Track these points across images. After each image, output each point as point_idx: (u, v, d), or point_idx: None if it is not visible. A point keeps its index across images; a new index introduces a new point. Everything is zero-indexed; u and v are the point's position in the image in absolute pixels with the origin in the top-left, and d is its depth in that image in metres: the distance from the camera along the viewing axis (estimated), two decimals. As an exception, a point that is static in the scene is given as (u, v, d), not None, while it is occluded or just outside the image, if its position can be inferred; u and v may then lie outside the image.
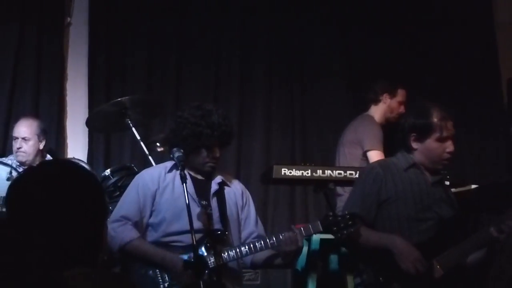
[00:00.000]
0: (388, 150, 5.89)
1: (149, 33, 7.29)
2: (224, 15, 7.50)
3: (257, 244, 4.20)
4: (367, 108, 6.48)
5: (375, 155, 6.06)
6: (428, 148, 4.30)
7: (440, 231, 4.24)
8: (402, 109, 6.38)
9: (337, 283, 5.81)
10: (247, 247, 4.20)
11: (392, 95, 6.45)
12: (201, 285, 3.76)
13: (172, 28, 7.33)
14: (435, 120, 4.27)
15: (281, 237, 4.18)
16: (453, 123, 4.31)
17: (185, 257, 4.09)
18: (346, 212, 4.24)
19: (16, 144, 6.06)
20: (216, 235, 4.21)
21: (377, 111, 6.44)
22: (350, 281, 5.62)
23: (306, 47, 7.67)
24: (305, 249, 5.61)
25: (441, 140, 4.27)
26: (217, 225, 4.28)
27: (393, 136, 4.61)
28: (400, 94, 6.46)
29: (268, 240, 4.21)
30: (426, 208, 4.29)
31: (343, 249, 5.51)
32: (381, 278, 4.11)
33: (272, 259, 4.36)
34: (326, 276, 5.77)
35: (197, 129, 4.24)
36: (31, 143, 6.05)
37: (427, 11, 7.78)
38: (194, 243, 3.89)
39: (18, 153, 6.02)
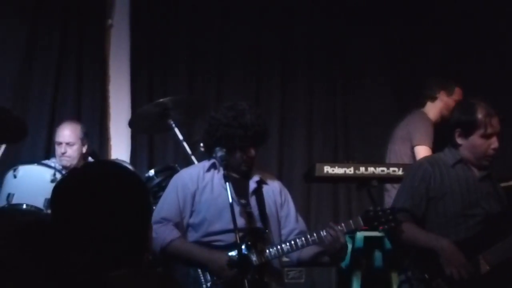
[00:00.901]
0: (441, 148, 5.86)
1: (190, 34, 7.31)
2: (264, 16, 7.51)
3: (298, 241, 4.18)
4: (422, 104, 6.34)
5: (422, 151, 5.99)
6: (473, 144, 4.29)
7: (488, 227, 4.21)
8: None
9: (382, 280, 5.79)
10: (288, 244, 4.18)
11: (450, 93, 6.31)
12: (246, 284, 3.76)
13: (213, 29, 7.36)
14: (479, 116, 4.27)
15: (322, 234, 4.16)
16: (498, 120, 4.29)
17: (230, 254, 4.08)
18: (387, 207, 4.21)
19: (60, 149, 6.01)
20: (257, 233, 4.19)
21: (433, 109, 6.31)
22: (395, 278, 5.60)
23: (346, 45, 7.65)
24: (349, 247, 5.60)
25: (485, 136, 4.27)
26: (257, 224, 4.26)
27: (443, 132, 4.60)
28: (457, 93, 6.29)
29: (309, 237, 4.19)
30: (474, 204, 4.27)
31: (388, 246, 5.50)
32: (426, 275, 4.10)
33: (319, 257, 4.33)
34: (370, 273, 5.76)
35: (229, 130, 4.20)
36: (75, 147, 6.01)
37: (464, 12, 7.72)
38: (238, 241, 3.88)
39: (62, 158, 5.99)
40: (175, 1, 7.31)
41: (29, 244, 1.84)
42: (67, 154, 5.98)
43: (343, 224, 4.20)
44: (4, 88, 6.74)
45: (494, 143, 4.29)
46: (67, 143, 6.00)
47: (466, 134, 4.29)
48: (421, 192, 4.27)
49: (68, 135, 6.02)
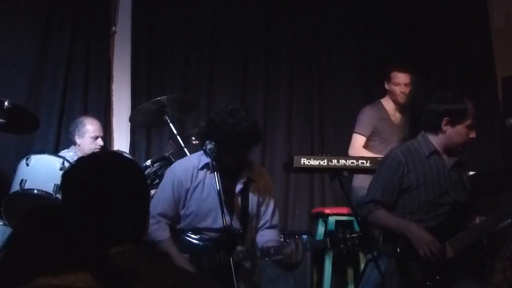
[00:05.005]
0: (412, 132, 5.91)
1: (184, 40, 7.31)
2: (250, 22, 7.51)
3: (266, 249, 4.13)
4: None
5: (353, 138, 6.25)
6: (458, 133, 4.16)
7: (455, 215, 4.16)
8: (403, 89, 6.30)
9: (351, 259, 5.84)
10: (259, 251, 4.16)
11: (388, 80, 6.40)
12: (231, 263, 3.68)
13: (205, 36, 7.35)
14: (469, 107, 4.14)
15: (285, 250, 4.06)
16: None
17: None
18: (355, 234, 4.07)
19: (98, 142, 6.05)
20: (232, 233, 4.03)
21: (386, 97, 6.47)
22: (362, 257, 5.65)
23: (323, 49, 7.66)
24: (322, 230, 5.65)
25: (470, 127, 4.15)
26: (236, 223, 4.21)
27: (416, 117, 4.46)
28: (394, 76, 6.36)
29: (272, 250, 4.11)
30: (444, 192, 4.20)
31: (356, 229, 5.52)
32: (398, 249, 4.05)
33: (277, 262, 4.20)
34: (341, 253, 5.78)
35: (227, 137, 4.02)
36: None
37: (432, 16, 7.77)
38: (225, 224, 3.79)
39: (98, 150, 5.92)
40: (172, 12, 7.31)
41: (40, 223, 1.85)
42: (102, 145, 6.04)
43: (308, 245, 4.17)
44: (20, 86, 6.70)
45: (473, 133, 4.16)
46: (101, 137, 6.10)
47: (454, 123, 4.15)
48: (394, 184, 4.18)
49: (101, 130, 6.13)
